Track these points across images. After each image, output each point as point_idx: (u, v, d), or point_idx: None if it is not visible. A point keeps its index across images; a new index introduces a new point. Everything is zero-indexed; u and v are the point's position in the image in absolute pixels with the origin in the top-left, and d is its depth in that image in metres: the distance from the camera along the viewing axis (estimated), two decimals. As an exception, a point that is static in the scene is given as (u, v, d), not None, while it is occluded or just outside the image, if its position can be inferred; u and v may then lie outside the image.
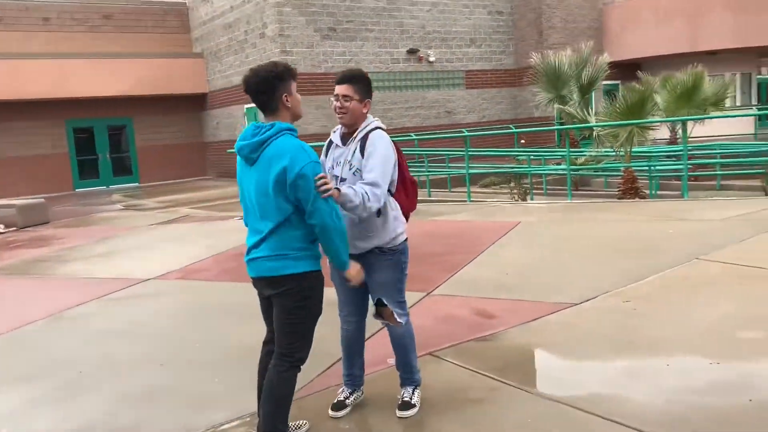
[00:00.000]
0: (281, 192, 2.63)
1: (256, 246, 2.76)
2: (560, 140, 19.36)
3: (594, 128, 9.58)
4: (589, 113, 10.81)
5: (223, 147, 20.31)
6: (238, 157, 2.79)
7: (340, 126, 3.14)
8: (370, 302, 3.25)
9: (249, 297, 5.24)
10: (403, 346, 3.25)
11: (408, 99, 18.64)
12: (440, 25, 19.43)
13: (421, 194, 12.52)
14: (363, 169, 2.94)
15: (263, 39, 17.44)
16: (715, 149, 11.86)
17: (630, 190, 9.17)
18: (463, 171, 12.11)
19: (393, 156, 3.05)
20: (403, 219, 3.20)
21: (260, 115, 2.81)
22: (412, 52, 18.74)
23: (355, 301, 3.26)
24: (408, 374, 3.29)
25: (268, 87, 2.67)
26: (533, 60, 16.04)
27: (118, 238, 9.39)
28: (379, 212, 3.03)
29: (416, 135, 15.24)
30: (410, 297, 5.31)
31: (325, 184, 2.66)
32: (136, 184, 20.86)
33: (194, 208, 12.91)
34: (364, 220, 3.00)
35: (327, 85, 15.66)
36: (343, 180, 2.98)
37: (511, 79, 21.17)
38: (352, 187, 2.84)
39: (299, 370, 2.82)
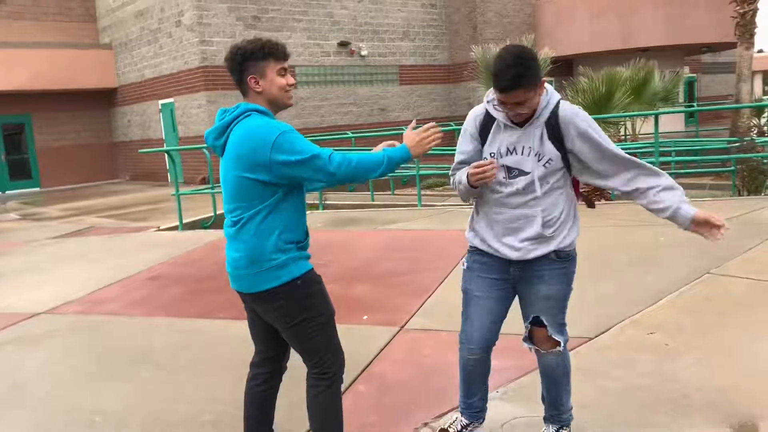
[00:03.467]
0: (255, 181, 2.22)
1: (233, 254, 2.35)
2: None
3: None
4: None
5: (135, 147, 18.47)
6: None
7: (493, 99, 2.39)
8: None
9: (172, 337, 3.88)
10: (555, 380, 2.66)
11: (340, 95, 17.48)
12: (372, 17, 18.40)
13: (364, 198, 11.49)
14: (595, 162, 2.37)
15: (179, 28, 15.84)
16: (670, 146, 11.38)
17: (595, 191, 8.39)
18: (411, 172, 11.07)
19: None
20: None
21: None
22: (343, 44, 17.61)
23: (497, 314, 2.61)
24: (555, 411, 2.69)
25: (234, 66, 2.30)
26: (473, 53, 15.20)
27: (4, 256, 7.77)
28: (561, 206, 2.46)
29: (353, 133, 14.09)
30: (378, 334, 4.23)
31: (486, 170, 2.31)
32: (37, 189, 18.65)
33: (102, 217, 11.26)
34: (545, 217, 2.41)
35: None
36: (524, 174, 2.38)
37: (446, 75, 20.41)
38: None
39: (342, 381, 2.46)
